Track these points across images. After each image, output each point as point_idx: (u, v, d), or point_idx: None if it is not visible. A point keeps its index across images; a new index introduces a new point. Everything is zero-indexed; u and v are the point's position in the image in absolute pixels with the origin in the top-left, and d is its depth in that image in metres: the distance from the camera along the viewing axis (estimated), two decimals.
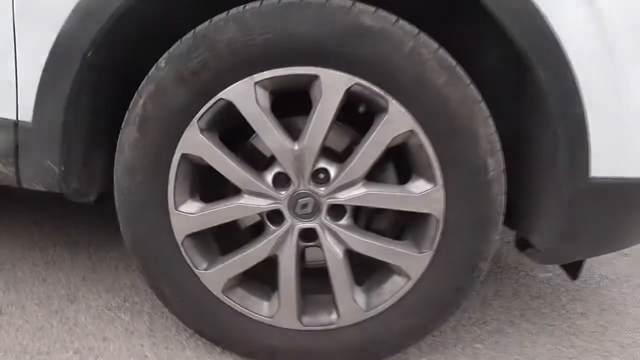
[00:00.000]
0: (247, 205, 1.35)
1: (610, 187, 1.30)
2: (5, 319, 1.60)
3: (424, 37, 1.24)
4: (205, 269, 1.40)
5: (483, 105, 1.27)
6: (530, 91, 1.34)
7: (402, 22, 1.24)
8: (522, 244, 1.50)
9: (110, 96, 1.49)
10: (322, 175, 1.35)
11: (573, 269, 1.62)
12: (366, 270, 1.47)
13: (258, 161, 1.44)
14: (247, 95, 1.28)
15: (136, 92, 1.33)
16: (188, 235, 1.38)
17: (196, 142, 1.32)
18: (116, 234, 2.13)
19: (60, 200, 2.34)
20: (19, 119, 1.36)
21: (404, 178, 1.45)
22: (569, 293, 1.96)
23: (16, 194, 2.40)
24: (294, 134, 1.33)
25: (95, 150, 1.51)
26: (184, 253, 1.39)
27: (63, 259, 1.95)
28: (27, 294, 1.74)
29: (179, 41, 1.29)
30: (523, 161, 1.43)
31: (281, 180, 1.36)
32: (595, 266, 2.17)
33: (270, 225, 1.39)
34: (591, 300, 1.91)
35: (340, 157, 1.43)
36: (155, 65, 1.31)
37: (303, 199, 1.35)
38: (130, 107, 1.34)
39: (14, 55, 1.33)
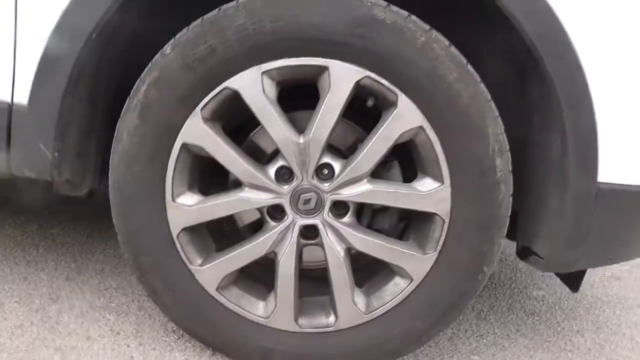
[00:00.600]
0: (248, 199, 1.31)
1: (618, 193, 1.29)
2: None
3: (435, 33, 1.23)
4: (200, 265, 1.35)
5: (493, 104, 1.26)
6: (537, 94, 1.34)
7: (414, 17, 1.24)
8: (524, 253, 1.48)
9: (108, 85, 1.45)
10: (326, 171, 1.32)
11: (574, 281, 1.59)
12: (366, 274, 1.43)
13: (259, 158, 1.41)
14: (253, 85, 1.25)
15: (139, 79, 1.30)
16: (184, 229, 1.33)
17: (198, 131, 1.28)
18: (102, 238, 2.08)
19: (45, 202, 2.27)
20: (14, 100, 1.30)
21: (407, 177, 1.43)
22: (564, 311, 1.93)
23: None
24: (298, 129, 1.30)
25: (90, 141, 1.46)
26: (178, 247, 1.33)
27: (46, 260, 1.86)
28: (6, 292, 1.65)
29: (186, 28, 1.27)
30: (527, 165, 1.42)
31: (284, 175, 1.32)
32: (587, 288, 2.16)
33: (270, 221, 1.35)
34: (586, 320, 1.89)
35: (344, 155, 1.40)
36: (160, 52, 1.28)
37: (306, 194, 1.31)
38: (131, 93, 1.30)
39: (13, 32, 1.28)
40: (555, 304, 1.98)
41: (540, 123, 1.37)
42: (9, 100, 1.31)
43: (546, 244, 1.38)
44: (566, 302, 2.00)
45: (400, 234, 1.50)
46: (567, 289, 1.99)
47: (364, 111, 1.38)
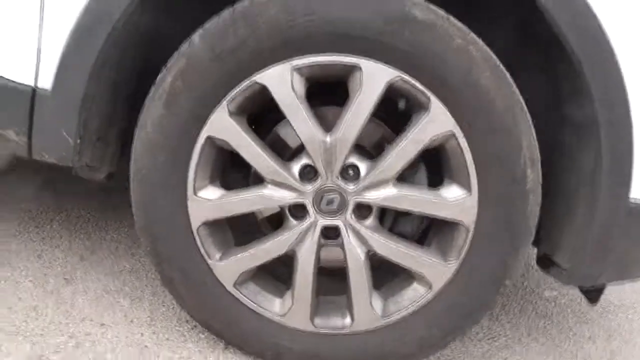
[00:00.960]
0: (271, 197, 1.29)
1: None
2: None
3: (473, 35, 1.19)
4: (219, 260, 1.33)
5: (527, 113, 1.22)
6: (573, 106, 1.30)
7: (452, 18, 1.19)
8: (545, 262, 1.45)
9: (132, 69, 1.41)
10: (351, 172, 1.29)
11: (593, 294, 1.57)
12: (384, 274, 1.41)
13: (282, 152, 1.38)
14: (283, 80, 1.22)
15: (164, 67, 1.26)
16: (204, 223, 1.31)
17: (224, 125, 1.25)
18: (117, 214, 2.07)
19: (59, 176, 2.26)
20: (38, 85, 1.27)
21: (432, 179, 1.40)
22: (576, 315, 1.92)
23: (14, 167, 2.31)
24: (324, 126, 1.27)
25: (110, 126, 1.43)
26: (198, 241, 1.31)
27: (60, 236, 1.85)
28: (21, 270, 1.64)
29: (217, 17, 1.22)
30: (557, 173, 1.38)
31: (308, 173, 1.30)
32: None
33: (292, 220, 1.32)
34: (598, 325, 1.88)
35: (369, 153, 1.36)
36: (188, 40, 1.24)
37: (329, 195, 1.28)
38: (157, 81, 1.26)
39: (39, 15, 1.24)
40: (568, 307, 1.96)
41: (574, 134, 1.32)
42: (32, 84, 1.27)
43: (570, 256, 1.36)
44: (578, 305, 1.99)
45: (420, 235, 1.47)
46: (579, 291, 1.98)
47: (390, 108, 1.34)
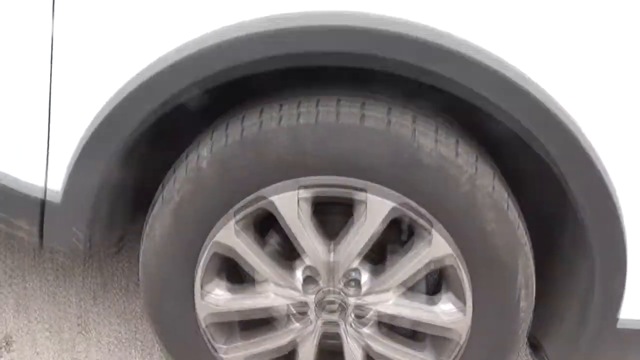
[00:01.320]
0: (274, 303, 1.35)
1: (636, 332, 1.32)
2: (17, 354, 1.61)
3: (480, 178, 1.20)
4: (225, 352, 1.41)
5: (527, 248, 1.26)
6: (572, 227, 1.32)
7: (461, 155, 1.19)
8: (533, 342, 1.54)
9: (144, 153, 1.42)
10: (353, 282, 1.34)
11: None
12: None
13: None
14: (289, 206, 1.24)
15: (173, 173, 1.28)
16: (212, 322, 1.38)
17: (230, 240, 1.29)
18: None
19: None
20: (48, 187, 1.29)
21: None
22: None
23: None
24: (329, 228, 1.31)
25: (119, 206, 1.45)
26: (205, 337, 1.39)
27: (73, 271, 1.91)
28: (36, 316, 1.72)
29: (225, 136, 1.23)
30: (554, 275, 1.42)
31: (311, 278, 1.34)
32: None
33: (294, 321, 1.38)
34: None
35: (371, 257, 1.40)
36: (196, 154, 1.25)
37: (331, 300, 1.34)
38: (165, 187, 1.29)
39: (47, 118, 1.24)
40: None
41: (571, 250, 1.36)
42: (42, 185, 1.30)
43: (555, 350, 1.45)
44: None
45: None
46: None
47: None
